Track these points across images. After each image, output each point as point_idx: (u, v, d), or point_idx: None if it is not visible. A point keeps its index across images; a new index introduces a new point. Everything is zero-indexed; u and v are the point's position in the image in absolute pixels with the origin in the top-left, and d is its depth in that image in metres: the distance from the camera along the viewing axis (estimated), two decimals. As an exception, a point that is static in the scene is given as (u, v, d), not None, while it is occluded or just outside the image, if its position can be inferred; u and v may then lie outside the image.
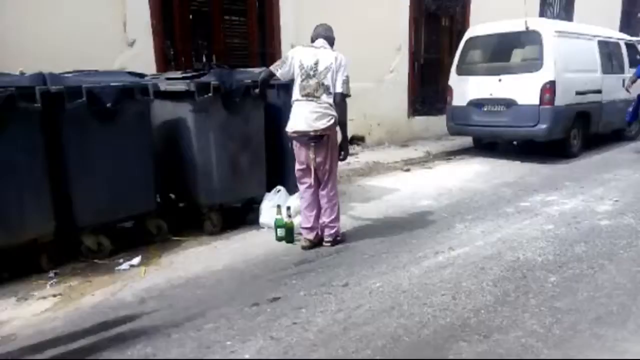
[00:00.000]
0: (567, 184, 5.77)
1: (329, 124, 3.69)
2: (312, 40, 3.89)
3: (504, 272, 3.37)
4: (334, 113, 3.72)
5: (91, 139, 3.57)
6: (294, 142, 3.83)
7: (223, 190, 4.19)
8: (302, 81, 3.71)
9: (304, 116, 3.68)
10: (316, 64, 3.69)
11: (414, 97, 9.16)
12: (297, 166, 3.90)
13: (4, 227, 3.28)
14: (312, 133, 3.69)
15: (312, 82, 3.68)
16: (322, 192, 3.90)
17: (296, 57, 3.76)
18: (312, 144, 3.73)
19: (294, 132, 3.76)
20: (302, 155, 3.82)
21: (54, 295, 3.16)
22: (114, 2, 5.41)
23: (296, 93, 3.75)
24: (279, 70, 3.83)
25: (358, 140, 8.24)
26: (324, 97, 3.68)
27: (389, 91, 8.63)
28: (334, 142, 3.84)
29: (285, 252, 3.86)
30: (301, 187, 3.94)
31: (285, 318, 2.80)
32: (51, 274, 3.44)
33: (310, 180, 3.85)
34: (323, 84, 3.68)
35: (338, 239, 3.96)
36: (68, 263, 3.59)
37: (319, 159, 3.77)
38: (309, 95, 3.69)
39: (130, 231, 4.05)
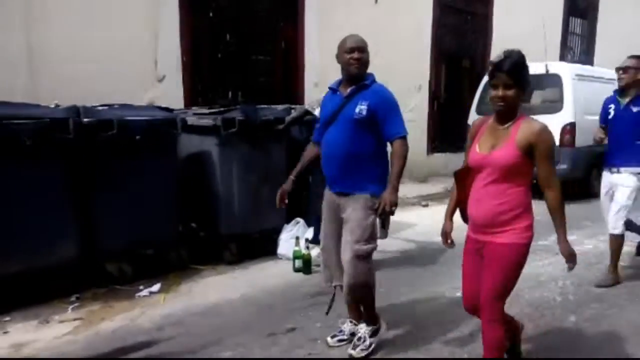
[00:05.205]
0: (587, 224, 5.69)
1: None
2: None
3: (523, 310, 3.33)
4: None
5: (119, 169, 3.71)
6: None
7: (243, 221, 4.27)
8: None
9: None
10: None
11: (433, 134, 9.26)
12: None
13: (31, 250, 3.39)
14: None
15: None
16: None
17: None
18: None
19: None
20: None
21: (75, 319, 3.23)
22: (147, 39, 5.66)
23: None
24: (317, 110, 3.86)
25: (377, 175, 8.27)
26: None
27: (409, 128, 8.59)
28: None
29: (302, 283, 3.89)
30: None
31: (301, 349, 2.82)
32: (73, 298, 3.52)
33: None
34: None
35: None
36: (89, 288, 3.67)
37: None
38: None
39: (151, 259, 4.11)
